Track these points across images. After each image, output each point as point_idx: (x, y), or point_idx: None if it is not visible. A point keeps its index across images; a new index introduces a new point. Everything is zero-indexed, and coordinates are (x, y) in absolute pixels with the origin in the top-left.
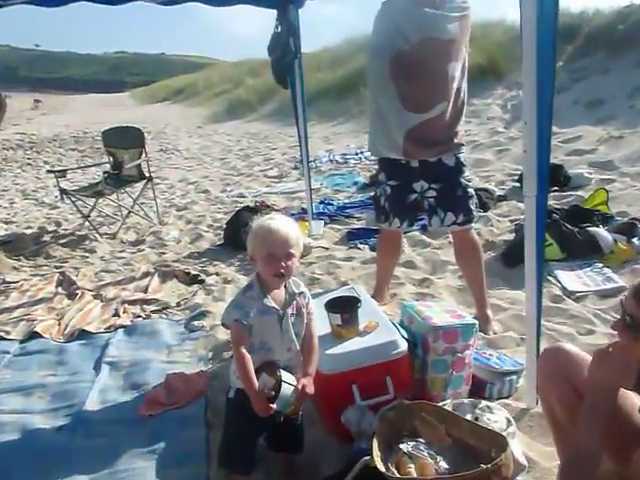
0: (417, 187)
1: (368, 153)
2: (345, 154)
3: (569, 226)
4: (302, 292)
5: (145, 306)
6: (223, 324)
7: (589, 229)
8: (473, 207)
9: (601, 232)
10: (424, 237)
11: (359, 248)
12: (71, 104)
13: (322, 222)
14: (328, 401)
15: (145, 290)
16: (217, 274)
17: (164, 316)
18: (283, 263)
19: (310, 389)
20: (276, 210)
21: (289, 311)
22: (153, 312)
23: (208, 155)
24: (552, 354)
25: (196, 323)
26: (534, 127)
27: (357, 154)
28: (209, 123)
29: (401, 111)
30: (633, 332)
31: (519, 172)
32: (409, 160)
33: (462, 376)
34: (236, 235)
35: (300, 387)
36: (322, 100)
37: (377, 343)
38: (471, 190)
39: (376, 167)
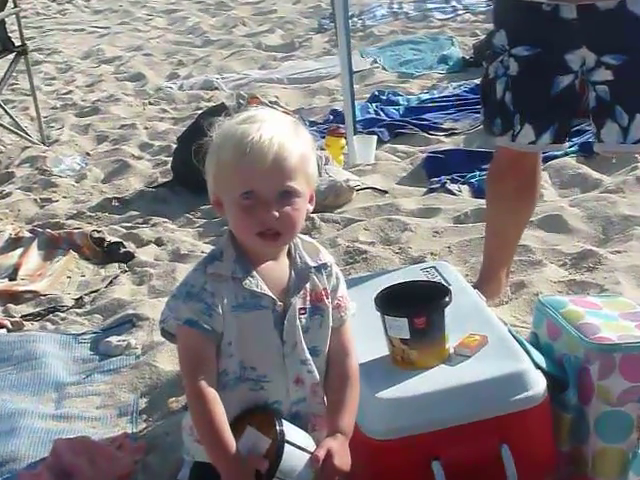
0: (574, 61)
1: None
2: (424, 1)
3: None
4: (324, 265)
5: (12, 305)
6: (163, 331)
7: None
8: None
9: None
10: (585, 168)
11: (450, 191)
12: None
13: (374, 139)
14: None
15: (13, 274)
16: (159, 242)
17: (51, 326)
18: (275, 211)
19: (343, 460)
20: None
21: (297, 303)
22: (28, 317)
23: (142, 4)
24: None
25: (115, 340)
26: None
27: (448, 0)
28: None
29: None
30: None
31: None
32: (558, 6)
33: None
34: (195, 164)
35: (322, 455)
36: None
37: (483, 378)
38: None
39: (487, 26)
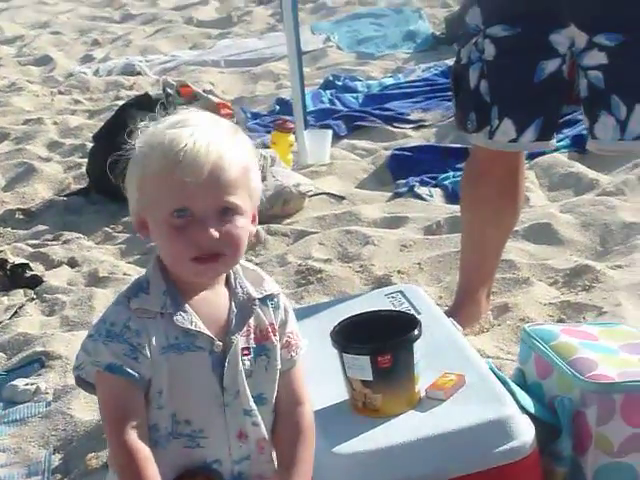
0: (561, 43)
1: None
2: None
3: None
4: (270, 295)
5: None
6: (79, 379)
7: None
8: None
9: None
10: (578, 166)
11: (420, 196)
12: None
13: (329, 134)
14: None
15: None
16: (73, 263)
17: None
18: (214, 230)
19: None
20: (215, 104)
21: (239, 342)
22: None
23: None
24: None
25: (22, 384)
26: None
27: None
28: None
29: None
30: None
31: None
32: None
33: None
34: (118, 168)
35: None
36: None
37: (460, 427)
38: None
39: None
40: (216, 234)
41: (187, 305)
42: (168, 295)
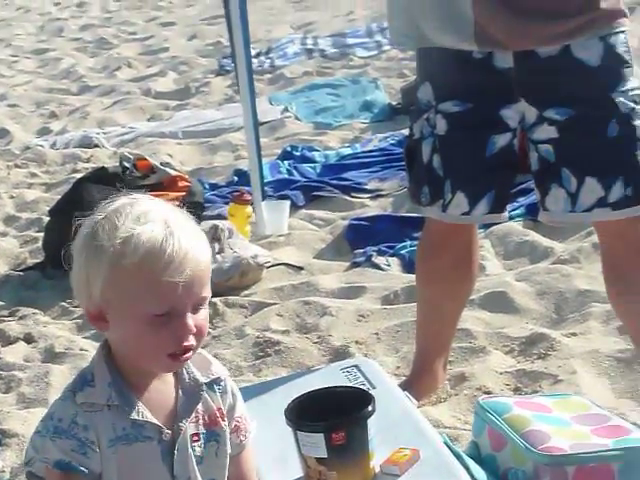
0: (512, 118)
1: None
2: (343, 35)
3: None
4: (217, 379)
5: None
6: (30, 474)
7: None
8: None
9: None
10: (533, 234)
11: (377, 266)
12: None
13: (287, 204)
14: None
15: None
16: (29, 339)
17: None
18: (192, 325)
19: None
20: (173, 178)
21: (188, 429)
22: None
23: (6, 42)
24: None
25: None
26: None
27: (372, 35)
28: None
29: None
30: None
31: None
32: (491, 53)
33: None
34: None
35: None
36: None
37: None
38: None
39: (414, 66)
40: (194, 329)
41: (133, 395)
42: (113, 387)
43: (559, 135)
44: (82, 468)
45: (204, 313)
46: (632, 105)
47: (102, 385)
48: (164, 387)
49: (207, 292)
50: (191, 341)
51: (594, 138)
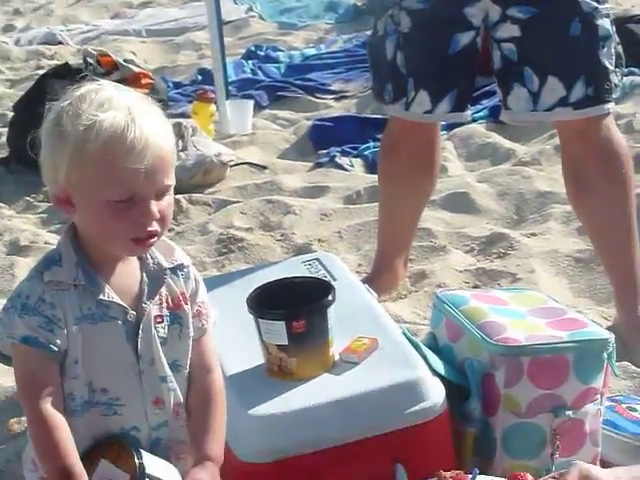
0: (475, 16)
1: None
2: None
3: None
4: (180, 265)
5: None
6: None
7: None
8: (609, 63)
9: None
10: (495, 136)
11: (340, 166)
12: None
13: (251, 104)
14: None
15: None
16: None
17: None
18: (155, 212)
19: None
20: (136, 74)
21: (152, 311)
22: None
23: None
24: None
25: None
26: None
27: None
28: None
29: None
30: None
31: None
32: None
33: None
34: (32, 155)
35: None
36: None
37: (372, 389)
38: (605, 22)
39: None
40: (157, 215)
41: (99, 277)
42: (80, 267)
43: (522, 34)
44: (47, 343)
45: (168, 199)
46: (594, 4)
47: (69, 265)
48: (129, 270)
49: (171, 180)
50: (155, 227)
51: (556, 37)
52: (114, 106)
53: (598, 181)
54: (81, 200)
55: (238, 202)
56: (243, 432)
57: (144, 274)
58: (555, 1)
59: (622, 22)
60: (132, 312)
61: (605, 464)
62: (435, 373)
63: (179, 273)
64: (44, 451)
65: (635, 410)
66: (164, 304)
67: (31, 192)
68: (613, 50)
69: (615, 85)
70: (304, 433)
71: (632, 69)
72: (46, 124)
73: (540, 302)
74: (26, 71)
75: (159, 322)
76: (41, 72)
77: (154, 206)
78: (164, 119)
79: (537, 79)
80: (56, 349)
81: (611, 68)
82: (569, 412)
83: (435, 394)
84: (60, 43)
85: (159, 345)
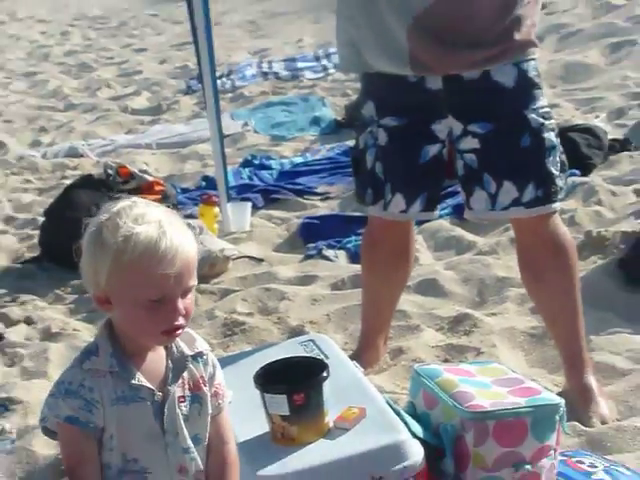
0: (441, 131)
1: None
2: (294, 60)
3: None
4: (200, 353)
5: None
6: (45, 429)
7: None
8: (555, 169)
9: None
10: (459, 230)
11: (327, 258)
12: None
13: (249, 205)
14: None
15: None
16: (29, 321)
17: None
18: (182, 309)
19: None
20: (149, 183)
21: (176, 392)
22: None
23: (0, 67)
24: None
25: None
26: None
27: (319, 59)
28: None
29: None
30: None
31: None
32: (424, 77)
33: None
34: (66, 238)
35: None
36: None
37: (362, 451)
38: (551, 135)
39: (358, 86)
40: (183, 312)
41: (131, 364)
42: (114, 356)
43: (481, 146)
44: (87, 422)
45: (191, 297)
46: (542, 120)
47: (105, 355)
48: (156, 358)
49: (194, 281)
50: (181, 321)
51: (510, 148)
52: (147, 220)
53: (550, 273)
54: (119, 300)
55: (240, 290)
56: None
57: (169, 361)
58: (508, 118)
59: (564, 131)
60: (159, 393)
61: None
62: (415, 436)
63: (199, 360)
64: None
65: (583, 463)
66: (186, 386)
67: (60, 286)
68: (558, 158)
69: (560, 188)
70: None
71: (573, 171)
72: (88, 236)
73: (502, 373)
74: (52, 181)
75: (182, 402)
76: (66, 181)
77: (181, 304)
78: (188, 229)
79: (495, 184)
80: (94, 427)
81: (557, 173)
82: (528, 466)
83: (415, 454)
84: (81, 156)
85: (182, 421)
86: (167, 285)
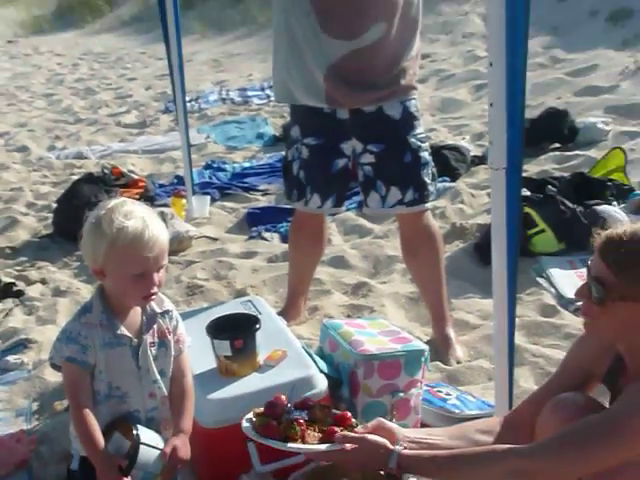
0: (347, 149)
1: None
2: (245, 89)
3: (570, 204)
4: (167, 311)
5: None
6: (52, 364)
7: (598, 208)
8: (428, 179)
9: (613, 212)
10: (361, 220)
11: (265, 238)
12: None
13: (208, 198)
14: (213, 467)
15: None
16: (43, 282)
17: None
18: (156, 279)
19: (184, 452)
20: (135, 180)
21: (148, 339)
22: None
23: (25, 89)
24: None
25: (12, 359)
26: (503, 69)
27: (264, 90)
28: (27, 34)
29: (319, 36)
30: (598, 299)
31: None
32: (335, 109)
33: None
34: (72, 220)
35: (169, 450)
36: (210, 0)
37: (283, 382)
38: (425, 154)
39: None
40: (157, 283)
41: (116, 319)
42: (104, 313)
43: (375, 160)
44: (82, 361)
45: (163, 272)
46: (419, 143)
47: (97, 312)
48: (135, 314)
49: (166, 260)
50: (155, 289)
51: (396, 163)
52: (134, 216)
53: (423, 252)
54: (111, 273)
55: (200, 261)
56: (204, 409)
57: (144, 317)
58: (395, 141)
59: (439, 149)
60: (135, 340)
61: (424, 426)
62: (321, 371)
63: (166, 315)
64: (81, 433)
65: (441, 392)
66: (155, 335)
67: (68, 255)
68: (430, 171)
69: (432, 192)
70: (241, 410)
71: (444, 178)
72: (89, 225)
73: (385, 326)
74: (63, 177)
75: (152, 346)
76: (73, 177)
77: (156, 277)
78: (162, 222)
79: (385, 188)
80: (88, 364)
81: (429, 182)
82: (401, 394)
83: (321, 384)
84: (86, 158)
85: (152, 360)
86: (147, 264)
